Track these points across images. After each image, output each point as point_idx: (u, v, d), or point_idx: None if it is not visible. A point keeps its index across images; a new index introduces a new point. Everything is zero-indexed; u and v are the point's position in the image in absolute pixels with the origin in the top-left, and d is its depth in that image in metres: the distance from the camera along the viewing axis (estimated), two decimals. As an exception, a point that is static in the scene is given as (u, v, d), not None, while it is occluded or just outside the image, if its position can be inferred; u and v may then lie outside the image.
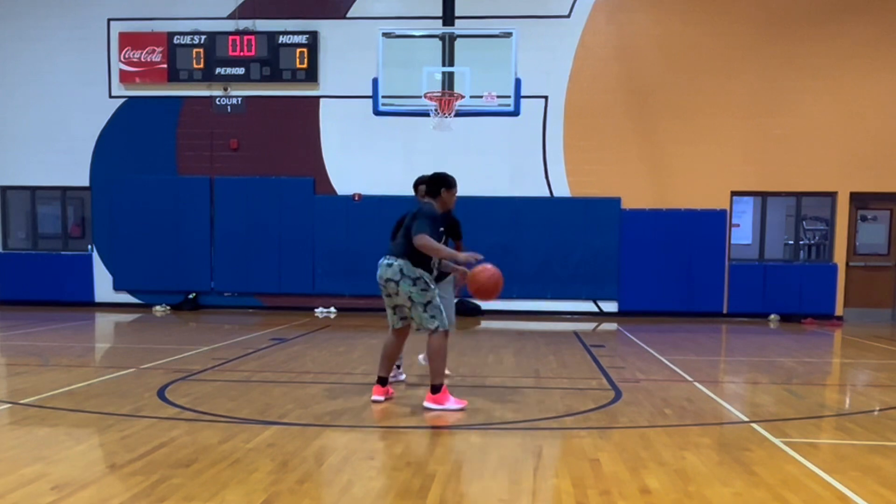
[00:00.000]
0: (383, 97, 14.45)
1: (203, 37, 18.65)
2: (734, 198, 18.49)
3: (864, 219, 18.55)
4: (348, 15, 18.52)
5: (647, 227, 18.48)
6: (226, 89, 18.89)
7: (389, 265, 7.48)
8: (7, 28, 19.09)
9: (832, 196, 18.36)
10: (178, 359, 11.04)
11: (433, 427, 7.16)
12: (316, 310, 18.47)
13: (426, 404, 7.57)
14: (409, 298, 7.46)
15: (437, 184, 8.24)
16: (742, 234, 18.71)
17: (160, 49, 18.79)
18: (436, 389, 7.57)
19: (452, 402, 7.61)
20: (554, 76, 18.27)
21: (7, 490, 4.96)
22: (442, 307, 7.70)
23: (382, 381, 7.93)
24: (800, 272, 18.57)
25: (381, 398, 7.84)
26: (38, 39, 19.06)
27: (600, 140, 18.43)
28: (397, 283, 7.43)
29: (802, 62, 17.97)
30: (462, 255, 7.62)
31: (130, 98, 19.11)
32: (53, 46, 19.05)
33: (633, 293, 18.62)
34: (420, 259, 7.47)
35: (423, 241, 7.28)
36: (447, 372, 8.50)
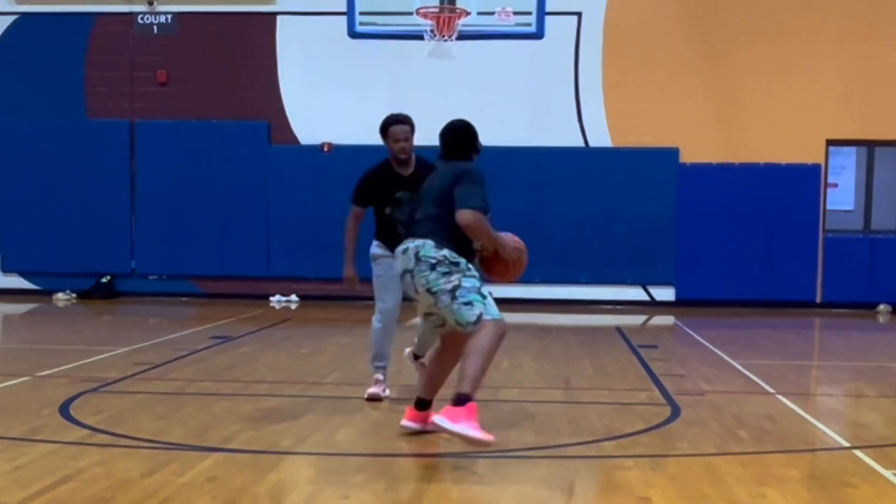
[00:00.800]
0: (362, 13, 14.97)
1: None
2: (830, 148, 18.62)
3: None
4: None
5: (714, 187, 18.65)
6: (151, 3, 18.98)
7: (404, 251, 6.86)
8: None
9: None
10: (87, 363, 10.92)
11: (429, 455, 6.99)
12: (271, 298, 18.70)
13: (437, 420, 6.58)
14: (427, 292, 6.78)
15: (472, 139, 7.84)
16: (841, 196, 18.84)
17: None
18: (461, 400, 6.51)
19: (474, 429, 6.49)
20: None
21: None
22: (483, 290, 6.91)
23: (421, 405, 7.19)
24: None
25: (416, 425, 7.11)
26: None
27: (652, 72, 18.54)
28: (413, 274, 6.80)
29: None
30: (508, 243, 7.06)
31: (24, 15, 19.30)
32: None
33: (696, 276, 18.74)
34: (450, 238, 6.83)
35: (476, 220, 6.76)
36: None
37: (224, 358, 11.49)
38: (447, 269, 6.70)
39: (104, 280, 19.27)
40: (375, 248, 8.75)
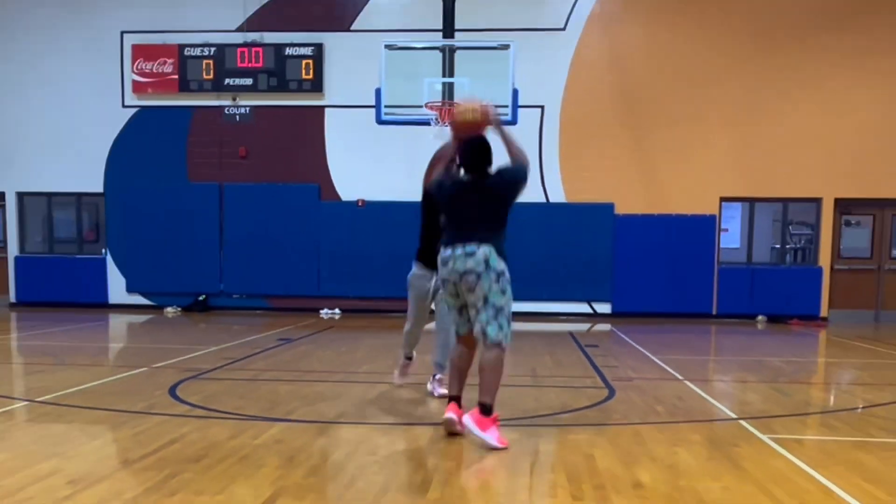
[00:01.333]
0: (386, 107, 14.44)
1: (213, 49, 18.64)
2: (723, 203, 18.49)
3: (847, 224, 18.60)
4: (352, 27, 18.50)
5: (639, 231, 18.43)
6: (234, 99, 18.83)
7: (471, 254, 6.01)
8: (24, 40, 19.11)
9: (817, 202, 18.40)
10: (188, 358, 10.99)
11: (434, 424, 6.96)
12: (321, 311, 18.37)
13: (466, 421, 6.16)
14: (484, 298, 6.08)
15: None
16: (730, 238, 18.70)
17: (171, 60, 18.80)
18: (488, 410, 6.12)
19: (496, 439, 6.09)
20: (550, 87, 18.25)
21: (24, 485, 4.97)
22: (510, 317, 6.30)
23: (457, 401, 6.45)
24: (786, 275, 18.63)
25: (455, 416, 6.31)
26: (55, 51, 19.04)
27: (594, 148, 18.40)
28: (479, 275, 6.03)
29: (788, 73, 17.96)
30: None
31: (143, 108, 19.13)
32: (69, 58, 19.04)
33: (626, 295, 18.58)
34: (503, 247, 6.22)
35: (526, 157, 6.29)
36: (442, 391, 7.93)
37: (287, 354, 11.49)
38: (504, 288, 6.12)
39: (201, 298, 19.10)
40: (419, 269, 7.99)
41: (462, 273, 6.02)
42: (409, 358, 8.47)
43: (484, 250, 6.01)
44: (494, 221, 6.19)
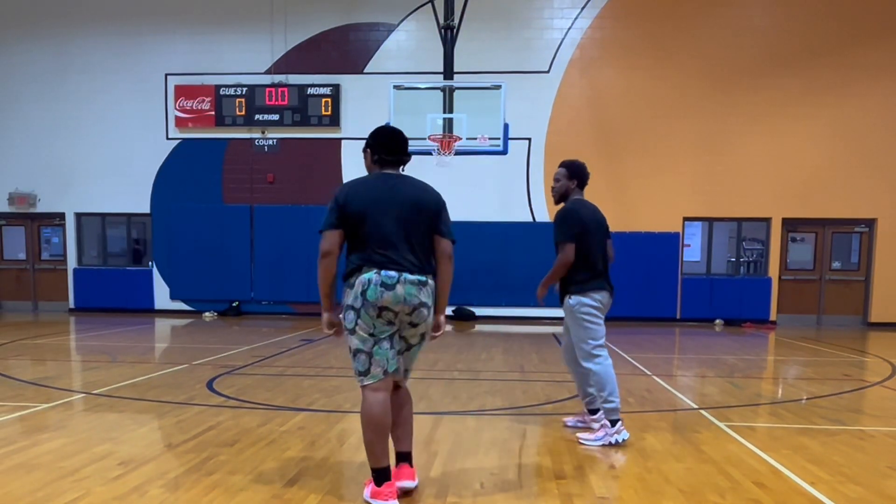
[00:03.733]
0: None
1: (244, 89, 18.66)
2: (685, 222, 18.47)
3: (793, 240, 18.64)
4: (365, 70, 18.53)
5: (613, 246, 18.19)
6: (263, 132, 18.84)
7: (423, 283, 4.23)
8: (81, 82, 19.17)
9: (767, 221, 18.37)
10: (223, 356, 11.01)
11: (437, 413, 7.02)
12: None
13: (404, 485, 4.48)
14: (421, 336, 4.41)
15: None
16: (692, 252, 18.69)
17: (209, 99, 18.81)
18: (410, 459, 4.59)
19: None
20: (536, 121, 18.25)
21: (81, 465, 5.03)
22: None
23: (407, 458, 4.56)
24: (740, 284, 18.54)
25: (414, 483, 4.54)
26: (107, 91, 19.13)
27: None
28: (430, 310, 4.30)
29: (742, 110, 17.99)
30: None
31: (184, 140, 19.12)
32: (120, 97, 19.11)
33: None
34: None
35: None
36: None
37: (309, 353, 11.44)
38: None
39: (234, 304, 19.05)
40: None
41: (416, 306, 4.22)
42: None
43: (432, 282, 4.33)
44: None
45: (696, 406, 7.59)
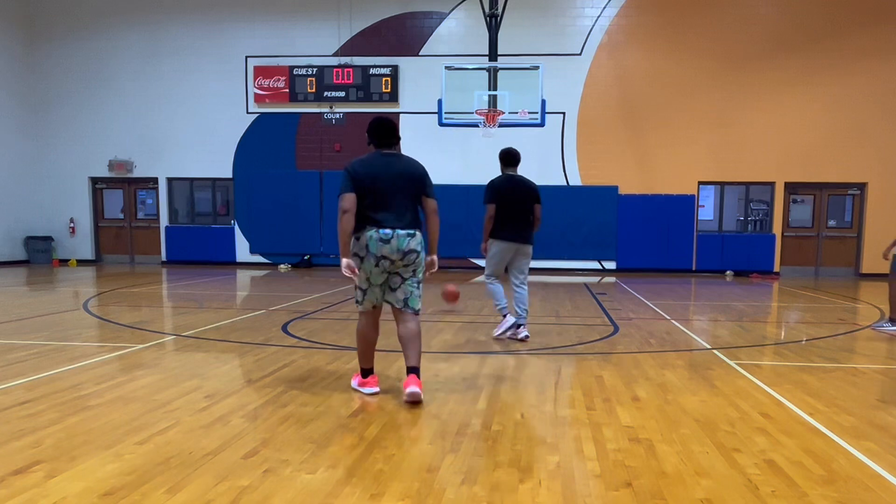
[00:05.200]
0: (446, 113, 14.96)
1: (315, 69, 19.55)
2: (700, 186, 19.04)
3: (794, 201, 19.15)
4: (420, 53, 19.37)
5: (637, 207, 18.94)
6: (331, 107, 19.69)
7: (412, 235, 5.05)
8: (171, 63, 20.32)
9: (771, 185, 18.96)
10: (296, 303, 11.12)
11: (482, 353, 7.04)
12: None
13: (414, 390, 5.08)
14: (413, 272, 5.18)
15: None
16: (706, 212, 19.22)
17: (284, 78, 19.73)
18: (418, 372, 5.21)
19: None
20: (569, 98, 18.90)
21: (172, 398, 5.15)
22: None
23: (371, 372, 5.47)
24: (748, 240, 18.98)
25: (377, 389, 5.39)
26: (194, 71, 20.22)
27: (603, 144, 18.96)
28: (419, 254, 5.12)
29: (750, 87, 18.58)
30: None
31: (261, 114, 19.99)
32: (205, 76, 20.17)
33: (627, 255, 19.11)
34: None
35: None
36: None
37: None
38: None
39: (305, 257, 19.94)
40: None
41: (407, 252, 5.05)
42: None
43: (419, 233, 5.13)
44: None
45: (709, 346, 7.57)
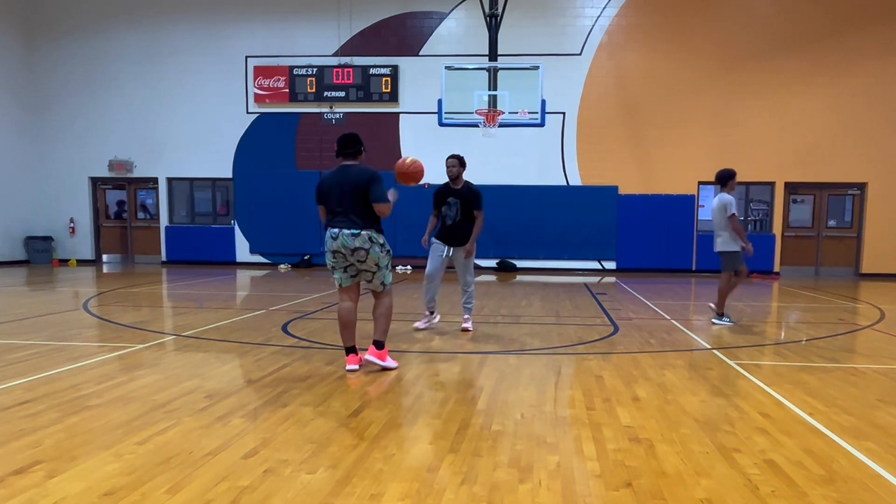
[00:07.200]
0: (445, 113, 14.94)
1: (315, 69, 19.54)
2: (700, 186, 19.01)
3: (794, 201, 19.15)
4: (420, 53, 19.36)
5: (637, 207, 18.95)
6: (331, 107, 19.69)
7: (356, 235, 5.87)
8: (172, 63, 20.30)
9: (771, 185, 18.92)
10: (296, 303, 11.11)
11: (483, 353, 7.04)
12: (398, 268, 18.53)
13: (368, 357, 6.15)
14: (376, 264, 6.02)
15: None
16: (706, 212, 18.88)
17: (283, 78, 19.71)
18: (382, 345, 6.19)
19: (390, 361, 6.28)
20: (569, 98, 18.90)
21: (172, 398, 5.16)
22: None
23: (354, 350, 6.28)
24: (748, 240, 18.44)
25: (357, 367, 6.18)
26: (195, 71, 20.21)
27: (603, 144, 18.93)
28: (367, 251, 5.92)
29: (749, 87, 18.60)
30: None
31: (261, 114, 19.99)
32: (205, 76, 20.17)
33: (628, 255, 19.09)
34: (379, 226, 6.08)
35: (389, 209, 6.09)
36: (434, 321, 8.64)
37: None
38: (389, 250, 6.14)
39: (305, 257, 19.90)
40: (433, 239, 8.41)
41: (354, 249, 5.93)
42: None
43: (366, 232, 5.91)
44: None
45: (709, 346, 7.59)
